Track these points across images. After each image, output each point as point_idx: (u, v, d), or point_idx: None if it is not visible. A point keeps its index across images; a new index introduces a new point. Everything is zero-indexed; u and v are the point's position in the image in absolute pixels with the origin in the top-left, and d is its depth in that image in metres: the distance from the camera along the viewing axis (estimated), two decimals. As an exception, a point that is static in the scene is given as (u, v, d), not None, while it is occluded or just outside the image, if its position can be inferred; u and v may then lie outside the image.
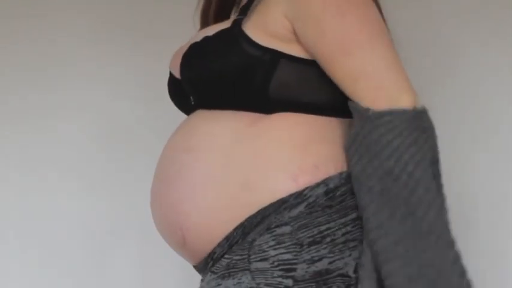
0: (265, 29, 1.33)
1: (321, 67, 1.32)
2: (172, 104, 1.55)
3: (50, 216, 2.14)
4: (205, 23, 1.57)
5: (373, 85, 1.26)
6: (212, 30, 1.41)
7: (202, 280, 1.38)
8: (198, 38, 1.41)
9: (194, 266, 1.40)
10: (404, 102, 1.24)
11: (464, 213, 1.93)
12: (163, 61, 1.92)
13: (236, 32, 1.35)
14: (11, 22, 2.18)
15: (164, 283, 2.09)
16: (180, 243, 1.36)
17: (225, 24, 1.40)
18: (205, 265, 1.34)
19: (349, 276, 1.26)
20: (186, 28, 1.60)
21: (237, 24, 1.37)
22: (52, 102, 2.17)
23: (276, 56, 1.31)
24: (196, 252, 1.35)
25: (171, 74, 1.50)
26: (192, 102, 1.42)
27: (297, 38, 1.32)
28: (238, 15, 1.42)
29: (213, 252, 1.32)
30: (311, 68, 1.32)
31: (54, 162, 2.16)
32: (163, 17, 2.16)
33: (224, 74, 1.33)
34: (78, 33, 2.19)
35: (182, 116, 1.49)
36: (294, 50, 1.32)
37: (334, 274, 1.25)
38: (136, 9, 2.20)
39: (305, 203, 1.27)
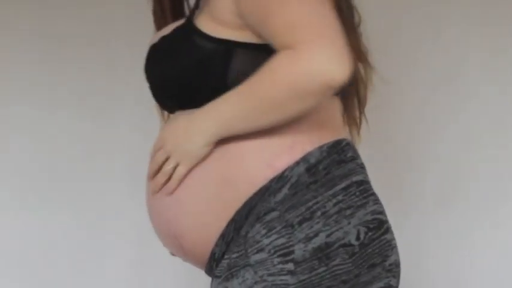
0: (217, 19, 1.31)
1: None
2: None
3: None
4: (160, 23, 1.51)
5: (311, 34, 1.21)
6: (169, 28, 1.40)
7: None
8: (156, 39, 1.41)
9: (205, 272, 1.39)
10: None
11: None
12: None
13: (189, 27, 1.33)
14: None
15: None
16: (181, 251, 1.36)
17: (181, 21, 1.39)
18: (211, 268, 1.33)
19: (352, 245, 1.23)
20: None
21: (189, 19, 1.35)
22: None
23: (230, 46, 1.29)
24: (197, 257, 1.34)
25: None
26: (169, 104, 1.42)
27: (242, 19, 1.28)
28: (192, 9, 1.40)
29: (213, 253, 1.31)
30: (267, 54, 1.27)
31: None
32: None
33: (183, 74, 1.32)
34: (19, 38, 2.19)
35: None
36: (247, 36, 1.29)
37: (336, 246, 1.22)
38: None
39: (288, 185, 1.25)
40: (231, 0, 1.29)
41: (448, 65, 2.07)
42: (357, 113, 1.45)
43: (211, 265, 1.32)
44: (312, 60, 1.19)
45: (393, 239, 1.30)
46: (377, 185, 1.34)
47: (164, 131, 1.35)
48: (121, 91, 2.14)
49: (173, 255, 1.44)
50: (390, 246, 1.28)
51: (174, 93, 1.35)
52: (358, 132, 1.45)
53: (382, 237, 1.27)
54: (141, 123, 1.60)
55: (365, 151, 1.41)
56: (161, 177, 1.33)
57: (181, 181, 1.31)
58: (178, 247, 1.35)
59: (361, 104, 1.45)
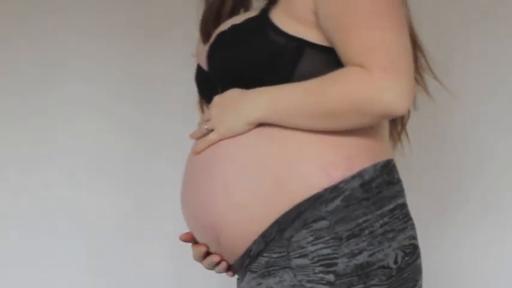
0: (293, 15, 1.31)
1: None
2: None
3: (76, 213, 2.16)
4: (208, 31, 1.52)
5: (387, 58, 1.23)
6: (240, 19, 1.39)
7: (238, 279, 1.38)
8: (225, 27, 1.40)
9: (231, 265, 1.38)
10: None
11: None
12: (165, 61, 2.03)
13: (263, 20, 1.33)
14: (11, 22, 2.16)
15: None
16: (215, 242, 1.35)
17: (253, 13, 1.39)
18: (242, 263, 1.33)
19: (390, 268, 1.26)
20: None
21: (265, 12, 1.35)
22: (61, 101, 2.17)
23: (301, 44, 1.30)
24: (232, 251, 1.33)
25: (198, 67, 1.48)
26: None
27: (317, 17, 1.29)
28: (266, 3, 1.40)
29: (249, 250, 1.31)
30: (333, 56, 1.30)
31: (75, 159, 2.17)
32: (164, 16, 2.14)
33: (250, 63, 1.32)
34: (80, 32, 2.17)
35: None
36: (319, 37, 1.30)
37: (375, 266, 1.25)
38: (138, 8, 2.18)
39: (341, 197, 1.26)
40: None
41: (502, 72, 2.10)
42: (399, 128, 1.49)
43: (244, 260, 1.32)
44: (383, 88, 1.22)
45: (421, 263, 1.34)
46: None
47: (218, 96, 1.35)
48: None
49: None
50: (420, 271, 1.33)
51: (236, 82, 1.34)
52: (396, 146, 1.50)
53: (416, 262, 1.31)
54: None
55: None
56: (196, 133, 1.37)
57: (209, 146, 1.33)
58: (214, 237, 1.34)
59: (404, 118, 1.49)
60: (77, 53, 2.16)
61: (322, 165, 1.28)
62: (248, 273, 1.30)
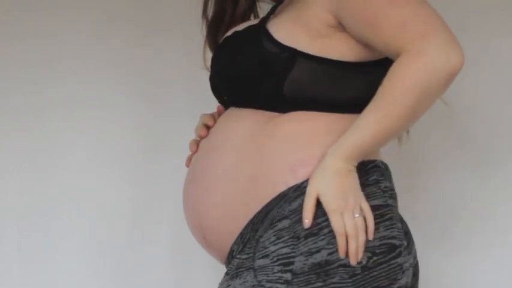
0: (299, 24, 1.34)
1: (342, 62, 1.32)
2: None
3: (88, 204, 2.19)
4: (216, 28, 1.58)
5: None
6: (243, 25, 1.46)
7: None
8: (230, 32, 1.48)
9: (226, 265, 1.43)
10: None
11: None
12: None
13: (260, 29, 1.38)
14: (11, 21, 2.18)
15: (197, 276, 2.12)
16: (204, 242, 1.42)
17: (255, 21, 1.45)
18: (228, 263, 1.38)
19: (351, 267, 1.25)
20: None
21: (263, 21, 1.40)
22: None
23: (294, 54, 1.33)
24: (218, 250, 1.40)
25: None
26: (225, 98, 1.47)
27: (341, 25, 1.32)
28: (268, 13, 1.46)
29: (232, 250, 1.36)
30: (327, 66, 1.33)
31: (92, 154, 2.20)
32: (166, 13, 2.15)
33: (244, 70, 1.37)
34: (81, 30, 2.18)
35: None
36: (315, 48, 1.33)
37: (335, 265, 1.25)
38: (138, 6, 2.18)
39: (303, 196, 1.27)
40: (326, 11, 1.32)
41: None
42: None
43: (230, 261, 1.37)
44: (432, 55, 1.22)
45: (406, 261, 1.30)
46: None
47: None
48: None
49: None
50: (401, 270, 1.29)
51: (233, 88, 1.40)
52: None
53: (392, 261, 1.28)
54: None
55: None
56: (361, 236, 1.26)
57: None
58: (202, 238, 1.41)
59: None
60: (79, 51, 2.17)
61: (289, 162, 1.30)
62: (224, 275, 1.35)
